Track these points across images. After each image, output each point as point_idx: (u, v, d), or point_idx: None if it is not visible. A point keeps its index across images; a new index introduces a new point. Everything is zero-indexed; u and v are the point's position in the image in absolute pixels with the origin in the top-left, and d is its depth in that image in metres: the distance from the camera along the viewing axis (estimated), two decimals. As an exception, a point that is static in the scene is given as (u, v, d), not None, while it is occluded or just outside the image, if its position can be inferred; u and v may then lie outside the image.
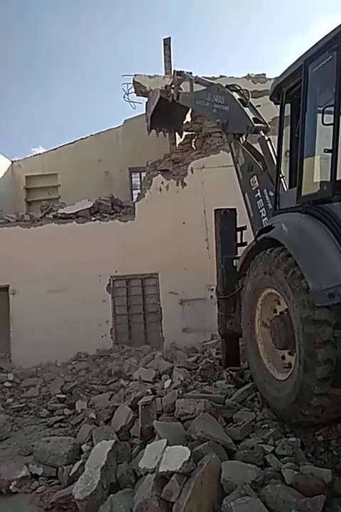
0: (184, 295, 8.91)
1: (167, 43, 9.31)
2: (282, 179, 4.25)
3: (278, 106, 4.18)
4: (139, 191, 9.99)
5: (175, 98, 7.35)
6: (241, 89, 5.48)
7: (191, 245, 8.66)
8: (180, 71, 7.32)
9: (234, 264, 4.82)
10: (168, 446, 2.93)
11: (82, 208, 9.42)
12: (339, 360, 2.92)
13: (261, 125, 5.03)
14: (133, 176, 12.10)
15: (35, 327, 8.58)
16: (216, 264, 5.21)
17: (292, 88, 3.96)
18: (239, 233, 5.19)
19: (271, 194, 4.41)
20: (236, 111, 5.18)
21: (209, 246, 8.04)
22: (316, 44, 3.37)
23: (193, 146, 9.66)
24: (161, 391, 4.59)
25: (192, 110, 8.58)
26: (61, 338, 8.41)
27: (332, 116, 3.13)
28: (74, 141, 12.06)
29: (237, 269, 4.52)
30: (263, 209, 4.70)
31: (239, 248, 5.09)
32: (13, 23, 28.46)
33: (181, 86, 7.32)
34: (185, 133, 9.58)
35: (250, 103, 5.29)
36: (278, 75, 4.12)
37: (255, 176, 4.85)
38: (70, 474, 3.61)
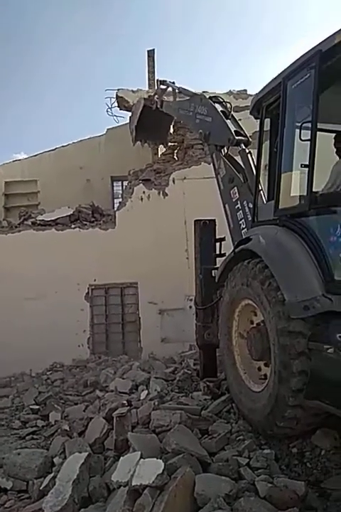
0: (163, 305, 8.89)
1: (151, 54, 9.40)
2: (261, 192, 4.31)
3: (258, 120, 4.26)
4: (120, 200, 9.97)
5: (158, 106, 7.38)
6: (223, 101, 5.57)
7: (171, 255, 8.66)
8: (163, 80, 7.38)
9: (213, 275, 4.84)
10: (142, 459, 2.87)
11: (62, 215, 9.33)
12: (313, 371, 2.95)
13: (243, 138, 5.11)
14: (114, 184, 12.08)
15: (10, 335, 8.36)
16: (195, 274, 5.22)
17: (271, 104, 4.04)
18: (218, 244, 5.21)
19: (251, 206, 4.47)
20: (218, 123, 5.25)
21: (189, 256, 8.07)
22: (294, 62, 3.45)
23: (175, 157, 9.73)
24: (137, 402, 4.52)
25: (174, 122, 8.65)
26: (36, 347, 8.22)
27: (309, 132, 3.20)
28: (56, 148, 11.97)
29: (216, 280, 4.53)
30: (243, 220, 4.75)
31: (217, 259, 5.11)
32: (-4, 28, 28.18)
33: (164, 97, 7.38)
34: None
35: (232, 115, 5.38)
36: (258, 91, 4.21)
37: (235, 188, 4.90)
38: (41, 488, 3.48)
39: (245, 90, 9.85)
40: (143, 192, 9.19)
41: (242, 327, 3.89)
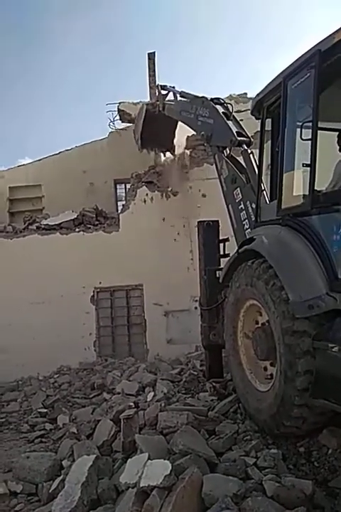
0: (168, 306, 8.89)
1: (151, 57, 9.41)
2: (263, 192, 4.32)
3: (259, 121, 4.27)
4: (124, 203, 10.00)
5: (161, 109, 7.41)
6: (225, 102, 5.60)
7: (175, 257, 8.68)
8: (164, 85, 7.41)
9: (217, 276, 4.85)
10: (150, 461, 2.89)
11: (66, 219, 9.36)
12: (318, 370, 2.96)
13: (244, 139, 5.13)
14: (117, 187, 12.10)
15: (17, 339, 8.42)
16: (199, 275, 5.24)
17: (272, 104, 4.06)
18: (221, 245, 5.23)
19: (254, 206, 4.48)
20: (220, 124, 5.27)
21: (194, 257, 8.08)
22: (295, 62, 3.46)
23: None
24: (144, 404, 4.55)
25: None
26: (43, 350, 8.26)
27: (310, 131, 3.20)
28: (59, 153, 12.01)
29: (220, 281, 4.55)
30: (247, 221, 4.76)
31: (221, 259, 5.13)
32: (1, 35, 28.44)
33: (165, 101, 7.39)
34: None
35: (233, 117, 5.40)
36: (258, 91, 4.22)
37: (238, 189, 4.92)
38: (50, 491, 3.52)
39: (245, 93, 9.88)
40: (146, 194, 9.21)
41: (247, 327, 3.90)
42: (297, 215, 3.40)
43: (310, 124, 3.20)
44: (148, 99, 9.27)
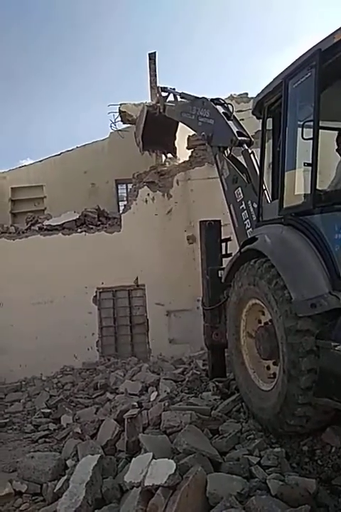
0: (171, 306, 8.90)
1: (152, 57, 9.43)
2: (265, 191, 4.33)
3: (261, 120, 4.28)
4: (125, 203, 10.01)
5: (161, 110, 7.42)
6: (225, 103, 5.60)
7: (177, 256, 8.69)
8: (164, 87, 7.42)
9: (219, 275, 4.86)
10: (154, 460, 2.91)
11: (68, 220, 9.38)
12: (322, 369, 2.97)
13: (245, 138, 5.14)
14: (119, 187, 12.13)
15: (20, 340, 8.45)
16: (201, 275, 5.25)
17: (273, 103, 4.06)
18: (223, 244, 5.24)
19: (255, 206, 4.48)
20: (220, 124, 5.28)
21: (195, 257, 8.09)
22: (295, 61, 3.47)
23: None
24: (147, 404, 4.57)
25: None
26: (46, 351, 8.29)
27: (312, 130, 3.21)
28: (60, 153, 12.05)
29: (222, 280, 4.56)
30: (248, 220, 4.76)
31: (223, 259, 5.13)
32: (1, 35, 28.48)
33: (166, 103, 7.40)
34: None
35: (234, 117, 5.40)
36: (259, 91, 4.23)
37: (239, 188, 4.92)
38: (55, 490, 3.54)
39: (246, 93, 9.88)
40: (148, 194, 9.22)
41: (250, 326, 3.91)
42: (299, 215, 3.41)
43: (311, 123, 3.21)
44: (149, 100, 9.30)
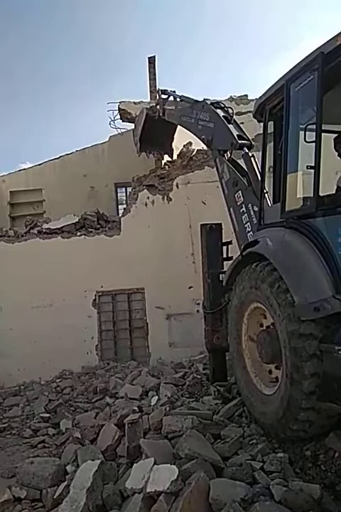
0: (170, 310, 8.87)
1: (152, 61, 9.45)
2: (266, 194, 4.32)
3: (262, 123, 4.27)
4: (125, 206, 10.01)
5: (161, 114, 7.43)
6: (225, 106, 5.59)
7: (177, 260, 8.67)
8: (164, 90, 7.42)
9: (221, 279, 4.84)
10: (156, 465, 2.88)
11: (67, 223, 9.36)
12: (325, 373, 2.94)
13: (245, 142, 5.13)
14: (118, 191, 12.11)
15: (19, 344, 8.40)
16: (202, 278, 5.23)
17: (275, 106, 4.06)
18: (224, 248, 5.22)
19: (256, 209, 4.47)
20: (220, 128, 5.27)
21: (196, 260, 8.08)
22: (297, 64, 3.46)
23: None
24: (148, 408, 4.52)
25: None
26: (45, 355, 8.25)
27: (314, 133, 3.20)
28: (60, 157, 12.04)
29: (223, 284, 4.54)
30: (248, 224, 4.75)
31: (225, 263, 5.12)
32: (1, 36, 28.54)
33: (166, 105, 7.42)
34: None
35: (234, 120, 5.40)
36: (261, 94, 4.22)
37: (240, 192, 4.91)
38: (55, 496, 3.49)
39: (246, 95, 9.90)
40: (148, 197, 9.21)
41: (252, 330, 3.88)
42: (301, 218, 3.39)
43: (314, 126, 3.20)
44: (148, 99, 9.31)
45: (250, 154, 5.01)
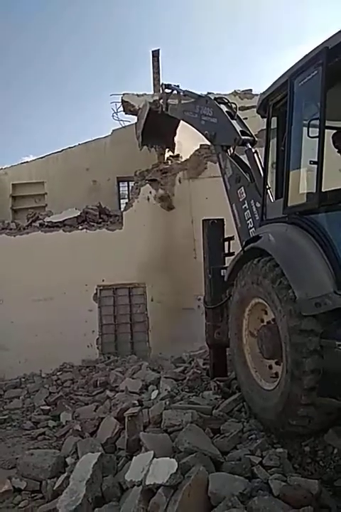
0: (171, 305, 8.87)
1: (155, 54, 9.41)
2: (268, 190, 4.30)
3: (265, 119, 4.25)
4: (127, 200, 9.99)
5: (164, 109, 7.40)
6: (228, 101, 5.56)
7: (178, 255, 8.66)
8: (168, 84, 7.39)
9: (222, 274, 4.84)
10: (155, 459, 2.88)
11: (69, 217, 9.36)
12: (325, 369, 2.94)
13: (248, 137, 5.10)
14: (121, 185, 12.11)
15: (20, 337, 8.42)
16: (204, 274, 5.22)
17: (278, 102, 4.03)
18: (226, 243, 5.21)
19: (258, 205, 4.46)
20: (223, 123, 5.24)
21: (197, 255, 8.07)
22: (301, 59, 3.44)
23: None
24: (148, 402, 4.54)
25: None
26: (46, 348, 8.27)
27: (318, 129, 3.19)
28: (62, 150, 12.02)
29: (225, 279, 4.54)
30: (250, 220, 4.74)
31: (226, 258, 5.11)
32: (5, 31, 28.41)
33: (169, 100, 7.39)
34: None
35: (237, 116, 5.37)
36: (265, 89, 4.20)
37: (242, 188, 4.89)
38: (54, 488, 3.52)
39: (250, 90, 9.86)
40: (150, 192, 9.20)
41: (253, 326, 3.89)
42: (303, 213, 3.38)
43: (317, 121, 3.18)
44: (152, 92, 9.26)
45: (253, 150, 4.99)
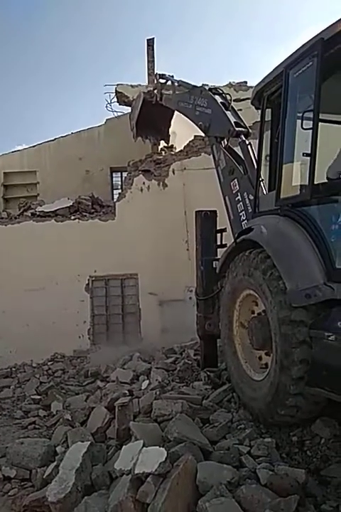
0: (163, 296, 8.89)
1: (150, 43, 9.31)
2: (262, 182, 4.30)
3: (259, 111, 4.23)
4: (120, 191, 9.94)
5: (158, 99, 7.33)
6: (223, 92, 5.52)
7: (171, 246, 8.65)
8: (162, 74, 7.32)
9: (214, 266, 4.84)
10: (144, 448, 2.90)
11: (62, 207, 9.30)
12: (314, 360, 2.97)
13: (243, 129, 5.07)
14: (114, 175, 12.03)
15: (11, 326, 8.38)
16: (196, 265, 5.22)
17: (273, 93, 4.01)
18: (219, 235, 5.21)
19: (251, 197, 4.46)
20: (218, 114, 5.21)
21: (189, 247, 8.07)
22: (296, 51, 3.42)
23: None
24: (138, 392, 4.56)
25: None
26: (37, 338, 8.23)
27: (311, 121, 3.18)
28: (55, 139, 11.89)
29: (217, 271, 4.54)
30: (243, 212, 4.73)
31: (218, 250, 5.11)
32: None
33: (163, 91, 7.32)
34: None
35: (232, 107, 5.33)
36: (259, 81, 4.17)
37: (235, 180, 4.88)
38: (44, 476, 3.52)
39: (245, 82, 9.81)
40: (143, 183, 9.15)
41: (243, 317, 3.91)
42: (296, 205, 3.39)
43: (311, 113, 3.17)
44: (146, 83, 9.18)
45: (247, 142, 4.97)
